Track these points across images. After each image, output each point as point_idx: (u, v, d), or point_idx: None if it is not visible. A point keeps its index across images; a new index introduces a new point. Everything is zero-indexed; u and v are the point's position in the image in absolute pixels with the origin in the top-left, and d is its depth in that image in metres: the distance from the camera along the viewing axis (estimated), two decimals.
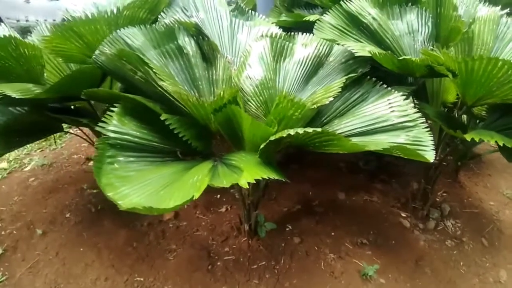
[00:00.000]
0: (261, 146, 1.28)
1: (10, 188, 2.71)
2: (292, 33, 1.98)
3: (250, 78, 1.77)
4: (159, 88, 1.50)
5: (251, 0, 3.20)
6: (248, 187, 1.11)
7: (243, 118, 1.32)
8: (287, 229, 2.19)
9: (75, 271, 1.93)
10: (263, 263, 1.95)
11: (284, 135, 1.17)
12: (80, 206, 2.39)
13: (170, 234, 2.16)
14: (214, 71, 1.75)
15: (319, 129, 1.18)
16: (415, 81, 2.09)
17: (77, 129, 2.66)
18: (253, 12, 2.12)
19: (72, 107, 2.17)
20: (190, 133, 1.43)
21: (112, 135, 1.30)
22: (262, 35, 1.91)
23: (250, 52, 1.85)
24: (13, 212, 2.44)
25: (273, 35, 1.91)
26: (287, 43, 1.94)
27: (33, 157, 3.17)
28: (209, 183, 1.15)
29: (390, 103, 1.53)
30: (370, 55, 1.56)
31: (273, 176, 1.20)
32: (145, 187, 1.25)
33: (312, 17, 2.44)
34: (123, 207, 1.09)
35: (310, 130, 1.15)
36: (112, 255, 2.01)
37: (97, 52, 1.51)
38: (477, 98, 1.62)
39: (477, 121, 2.18)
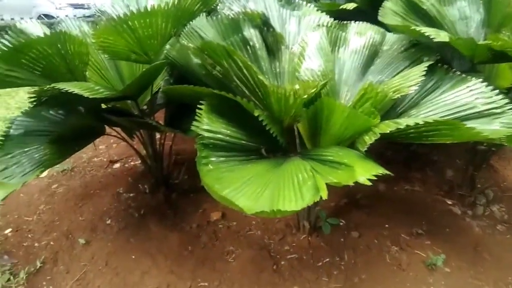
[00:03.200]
0: (366, 138, 1.22)
1: (31, 197, 2.56)
2: (345, 22, 1.93)
3: (311, 69, 1.71)
4: (235, 83, 1.42)
5: None
6: (370, 183, 1.05)
7: (337, 110, 1.26)
8: (341, 223, 2.15)
9: (132, 279, 1.83)
10: (327, 259, 1.90)
11: (400, 127, 1.12)
12: (120, 212, 2.27)
13: (223, 235, 2.08)
14: (278, 64, 1.68)
15: (430, 119, 1.14)
16: (461, 67, 2.08)
17: None
18: (300, 1, 2.05)
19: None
20: (277, 129, 1.36)
21: (206, 134, 1.22)
22: (318, 25, 1.85)
23: (308, 43, 1.79)
24: (43, 222, 2.30)
25: (328, 25, 1.85)
26: (341, 32, 1.89)
27: None
28: (329, 181, 1.08)
29: (471, 90, 1.50)
30: (447, 40, 1.52)
31: (383, 171, 1.15)
32: (246, 188, 1.18)
33: (349, 5, 2.39)
34: (249, 212, 1.01)
35: (430, 120, 1.10)
36: (168, 260, 1.92)
37: (167, 46, 1.41)
38: None
39: None
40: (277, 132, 1.34)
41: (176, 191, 2.40)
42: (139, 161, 2.84)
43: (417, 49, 1.74)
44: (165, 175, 2.33)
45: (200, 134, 1.21)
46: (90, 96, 1.34)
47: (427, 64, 1.53)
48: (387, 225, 2.15)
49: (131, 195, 2.40)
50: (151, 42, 1.72)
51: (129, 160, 2.91)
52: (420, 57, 1.70)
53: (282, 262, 1.88)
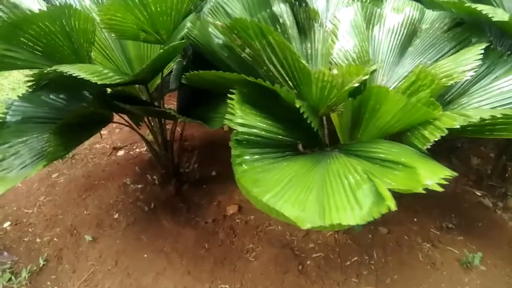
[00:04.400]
0: (425, 134, 1.06)
1: (29, 187, 2.38)
2: None
3: (344, 51, 1.53)
4: (266, 67, 1.24)
5: None
6: (440, 189, 0.89)
7: (390, 100, 1.08)
8: None
9: (145, 281, 1.69)
10: (356, 258, 1.77)
11: (472, 120, 0.95)
12: (128, 205, 2.10)
13: (241, 231, 1.93)
14: (310, 44, 1.48)
15: (510, 112, 0.97)
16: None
17: None
18: None
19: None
20: (317, 121, 1.18)
21: (240, 129, 1.04)
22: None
23: (340, 20, 1.59)
24: (45, 216, 2.14)
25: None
26: (376, 8, 1.69)
27: None
28: (391, 187, 0.92)
29: None
30: (506, 19, 1.33)
31: (451, 173, 0.98)
32: (288, 193, 1.01)
33: None
34: (303, 227, 0.85)
35: (510, 112, 0.93)
36: (184, 260, 1.77)
37: (188, 24, 1.21)
38: None
39: None
40: (317, 125, 1.17)
41: (187, 182, 2.23)
42: (145, 148, 2.66)
43: (463, 28, 1.55)
44: (175, 165, 2.16)
45: (234, 129, 1.03)
46: (99, 82, 1.14)
47: (482, 46, 1.34)
48: (415, 219, 2.01)
49: (139, 186, 2.23)
50: (163, 19, 1.52)
51: (134, 147, 2.72)
52: (468, 37, 1.51)
53: (308, 262, 1.74)
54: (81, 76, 1.11)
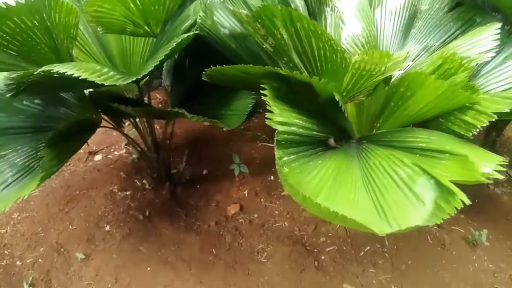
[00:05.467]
0: (467, 119, 1.02)
1: None
2: None
3: (352, 35, 1.46)
4: (287, 58, 1.14)
5: None
6: (502, 177, 0.85)
7: (428, 86, 1.03)
8: None
9: None
10: (368, 247, 1.74)
11: None
12: (119, 215, 1.93)
13: (247, 231, 1.84)
14: None
15: None
16: None
17: None
18: None
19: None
20: (347, 113, 1.11)
21: (280, 128, 0.93)
22: None
23: (345, 3, 1.51)
24: (23, 235, 1.92)
25: None
26: None
27: None
28: (452, 179, 0.86)
29: None
30: None
31: (502, 160, 0.95)
32: (338, 194, 0.93)
33: None
34: (380, 233, 0.77)
35: None
36: (192, 268, 1.65)
37: (201, 13, 1.08)
38: None
39: None
40: (348, 116, 1.09)
41: (179, 184, 2.09)
42: (124, 151, 2.47)
43: (466, 8, 1.53)
44: (167, 167, 2.01)
45: (276, 129, 0.92)
46: (104, 82, 0.99)
47: (496, 26, 1.32)
48: None
49: (128, 193, 2.06)
50: (155, 8, 1.37)
51: (112, 150, 2.51)
52: (473, 17, 1.50)
53: (323, 257, 1.69)
54: (83, 77, 0.95)
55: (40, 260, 1.78)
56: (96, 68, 1.06)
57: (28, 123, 1.52)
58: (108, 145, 2.58)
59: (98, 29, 1.38)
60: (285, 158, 0.96)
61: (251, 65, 0.97)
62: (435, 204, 0.83)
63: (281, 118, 0.93)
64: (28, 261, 1.78)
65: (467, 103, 1.04)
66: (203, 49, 1.35)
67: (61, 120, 1.58)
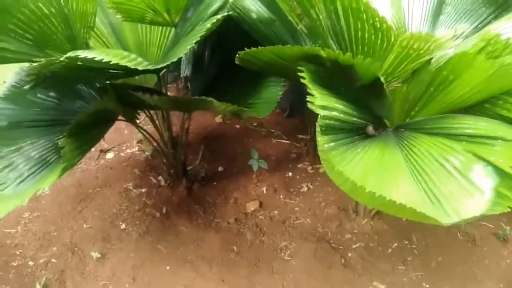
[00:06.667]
0: None
1: None
2: None
3: None
4: (323, 39, 1.08)
5: None
6: None
7: (477, 67, 0.97)
8: None
9: None
10: (396, 244, 1.67)
11: None
12: (135, 213, 1.87)
13: (268, 228, 1.77)
14: None
15: None
16: None
17: None
18: None
19: None
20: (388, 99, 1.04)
21: (322, 112, 0.87)
22: None
23: None
24: (34, 234, 1.85)
25: None
26: None
27: None
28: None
29: None
30: None
31: None
32: (389, 184, 0.87)
33: None
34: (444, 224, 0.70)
35: None
36: (214, 267, 1.58)
37: None
38: None
39: None
40: (390, 102, 1.03)
41: (196, 181, 2.03)
42: (137, 148, 2.41)
43: None
44: (183, 163, 1.95)
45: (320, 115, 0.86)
46: (134, 67, 0.93)
47: None
48: None
49: (143, 190, 1.99)
50: None
51: (124, 148, 2.45)
52: (507, 1, 1.43)
53: (349, 254, 1.62)
54: (113, 62, 0.89)
55: (53, 260, 1.71)
56: (124, 54, 1.00)
57: (44, 116, 1.46)
58: (120, 143, 2.51)
59: (117, 16, 1.32)
60: (325, 146, 0.89)
61: (289, 45, 0.90)
62: (496, 192, 0.76)
63: (323, 102, 0.87)
64: (41, 261, 1.72)
65: None
66: (225, 38, 1.29)
67: (77, 113, 1.53)
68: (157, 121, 1.79)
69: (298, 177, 2.14)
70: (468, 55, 0.94)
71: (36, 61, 1.02)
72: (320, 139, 0.84)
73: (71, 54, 0.93)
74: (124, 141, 2.52)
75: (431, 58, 1.08)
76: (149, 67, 0.97)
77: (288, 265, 1.58)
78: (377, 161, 0.93)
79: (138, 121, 1.91)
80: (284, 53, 0.95)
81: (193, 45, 1.02)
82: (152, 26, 1.64)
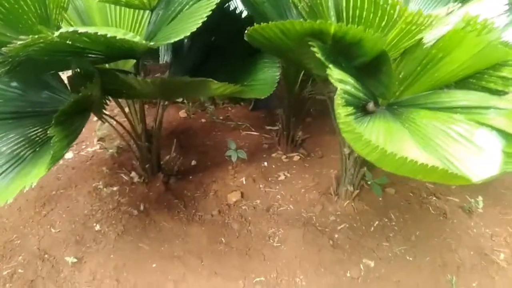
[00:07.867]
0: (505, 75, 1.03)
1: None
2: None
3: None
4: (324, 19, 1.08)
5: None
6: None
7: (467, 43, 1.03)
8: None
9: None
10: (377, 222, 1.74)
11: None
12: (110, 212, 1.74)
13: (253, 217, 1.75)
14: None
15: None
16: None
17: None
18: None
19: None
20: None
21: (340, 86, 0.87)
22: None
23: None
24: None
25: None
26: None
27: None
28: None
29: None
30: None
31: None
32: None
33: None
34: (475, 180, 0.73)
35: None
36: (204, 260, 1.53)
37: None
38: None
39: None
40: (391, 79, 1.06)
41: (171, 175, 1.95)
42: (98, 146, 2.26)
43: None
44: (158, 157, 1.85)
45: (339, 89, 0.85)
46: (138, 41, 0.86)
47: None
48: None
49: (115, 189, 1.87)
50: None
51: (83, 147, 2.28)
52: None
53: (336, 235, 1.65)
54: (119, 37, 0.81)
55: (20, 270, 1.54)
56: (122, 30, 0.92)
57: (6, 108, 1.31)
58: (78, 142, 2.34)
59: None
60: (348, 117, 0.90)
61: (299, 20, 0.89)
62: (505, 153, 0.82)
63: (339, 75, 0.87)
64: (5, 273, 1.54)
65: (504, 59, 1.05)
66: (207, 24, 1.24)
67: (45, 105, 1.39)
68: (129, 114, 1.69)
69: (274, 166, 2.14)
70: (458, 33, 1.00)
71: (13, 42, 0.90)
72: (342, 110, 0.83)
73: (63, 30, 0.83)
74: (83, 139, 2.35)
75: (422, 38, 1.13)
76: (151, 44, 0.90)
77: (279, 251, 1.58)
78: (387, 134, 0.96)
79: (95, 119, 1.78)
80: (293, 27, 0.93)
81: (199, 23, 0.97)
82: (123, 11, 1.54)
